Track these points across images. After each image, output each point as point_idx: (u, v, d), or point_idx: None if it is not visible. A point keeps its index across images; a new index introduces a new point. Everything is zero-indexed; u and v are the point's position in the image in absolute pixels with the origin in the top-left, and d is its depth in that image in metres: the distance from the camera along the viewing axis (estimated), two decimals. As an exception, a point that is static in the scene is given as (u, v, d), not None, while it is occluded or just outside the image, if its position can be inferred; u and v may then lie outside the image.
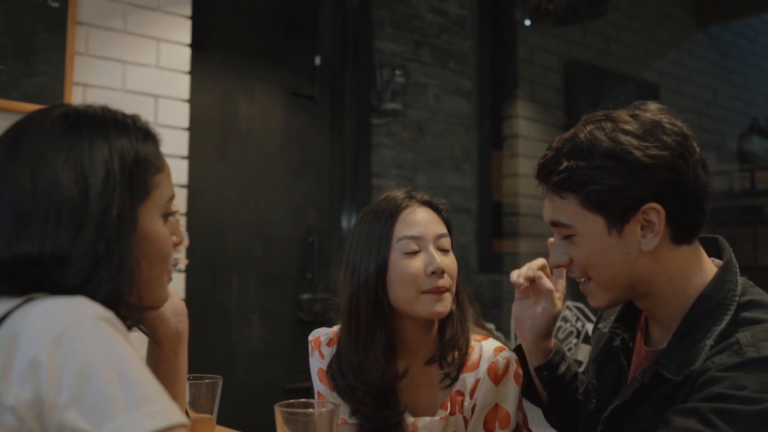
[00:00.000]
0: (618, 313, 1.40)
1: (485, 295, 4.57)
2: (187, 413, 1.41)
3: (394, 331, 1.56)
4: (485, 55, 4.71)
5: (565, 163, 1.21)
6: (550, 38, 4.88)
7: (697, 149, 1.23)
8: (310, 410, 1.21)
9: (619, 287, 1.25)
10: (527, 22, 4.49)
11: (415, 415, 1.57)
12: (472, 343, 1.59)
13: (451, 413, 1.56)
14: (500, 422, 1.53)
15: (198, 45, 3.20)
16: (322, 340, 1.64)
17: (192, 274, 3.13)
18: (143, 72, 2.94)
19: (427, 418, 1.55)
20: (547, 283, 1.48)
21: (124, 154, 0.99)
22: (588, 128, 1.22)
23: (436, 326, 1.60)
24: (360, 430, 1.57)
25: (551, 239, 1.33)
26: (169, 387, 1.19)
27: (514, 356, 1.56)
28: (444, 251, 1.56)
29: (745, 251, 5.40)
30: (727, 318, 1.18)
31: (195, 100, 3.22)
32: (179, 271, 2.99)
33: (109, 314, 0.87)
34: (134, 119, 1.05)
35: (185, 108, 3.06)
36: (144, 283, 1.01)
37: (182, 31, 3.07)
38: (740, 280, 1.24)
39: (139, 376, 0.82)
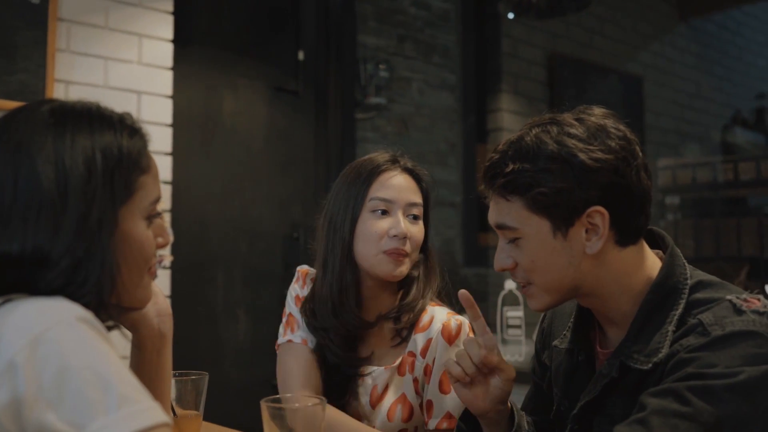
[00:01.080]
0: (572, 329, 1.38)
1: (471, 288, 4.57)
2: (173, 410, 1.41)
3: (359, 282, 1.65)
4: (469, 48, 4.72)
5: (511, 166, 1.22)
6: (533, 31, 4.88)
7: (640, 154, 1.24)
8: (297, 405, 1.21)
9: (561, 290, 1.26)
10: (510, 16, 4.49)
11: (371, 363, 1.65)
12: (427, 308, 1.66)
13: (401, 372, 1.62)
14: None
15: (180, 41, 3.19)
16: (310, 273, 1.76)
17: (177, 270, 3.12)
18: (125, 68, 2.92)
19: (375, 367, 1.63)
20: (494, 357, 1.31)
21: (107, 153, 0.97)
22: (534, 132, 1.23)
23: (397, 288, 1.68)
24: (319, 359, 1.66)
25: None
26: (152, 387, 1.18)
27: (467, 321, 1.62)
28: (414, 219, 1.64)
29: (729, 242, 5.43)
30: (682, 302, 1.20)
31: (178, 96, 3.20)
32: (164, 268, 2.98)
33: (88, 315, 0.86)
34: (122, 117, 1.04)
35: (168, 104, 3.04)
36: (124, 285, 1.00)
37: (164, 27, 3.05)
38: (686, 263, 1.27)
39: (118, 377, 0.81)
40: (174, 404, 1.42)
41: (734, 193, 5.63)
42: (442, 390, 1.59)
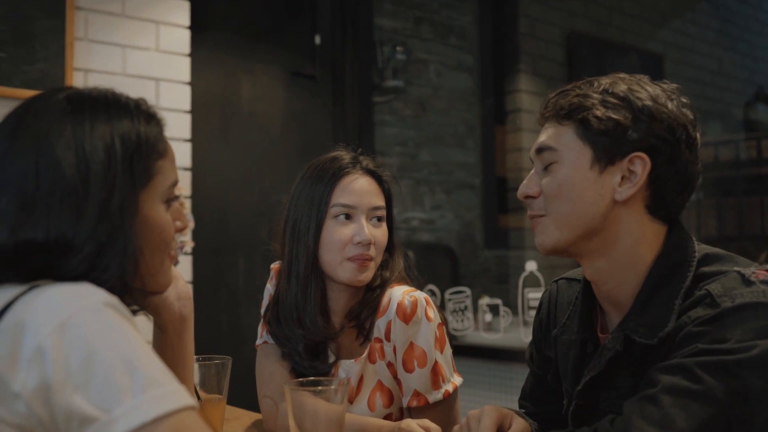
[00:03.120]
0: (578, 318, 1.34)
1: (491, 270, 4.58)
2: (197, 394, 1.42)
3: (324, 289, 1.64)
4: (486, 29, 4.69)
5: (578, 91, 1.23)
6: (551, 11, 4.84)
7: (699, 140, 1.24)
8: (320, 388, 1.21)
9: (574, 228, 1.22)
10: (528, -5, 4.46)
11: (340, 357, 1.65)
12: (385, 290, 1.65)
13: (371, 359, 1.62)
14: (418, 360, 1.58)
15: (197, 27, 3.19)
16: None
17: (198, 256, 3.14)
18: (143, 55, 2.93)
19: (348, 361, 1.63)
20: None
21: (125, 138, 0.98)
22: (607, 77, 1.25)
23: (364, 291, 1.66)
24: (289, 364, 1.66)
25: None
26: (175, 371, 1.19)
27: (423, 295, 1.62)
28: (377, 222, 1.63)
29: (752, 220, 5.38)
30: (690, 275, 1.18)
31: (196, 83, 3.21)
32: (186, 253, 3.00)
33: (114, 300, 0.87)
34: (138, 103, 1.04)
35: (186, 90, 3.05)
36: (146, 269, 1.01)
37: (181, 14, 3.05)
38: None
39: (145, 360, 0.82)
40: (198, 388, 1.44)
41: (757, 171, 5.57)
42: (406, 369, 1.59)
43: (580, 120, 1.20)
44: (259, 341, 1.74)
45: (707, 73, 6.19)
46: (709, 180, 5.53)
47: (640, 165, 1.18)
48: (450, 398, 1.62)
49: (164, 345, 1.26)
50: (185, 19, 3.06)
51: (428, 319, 1.60)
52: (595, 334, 1.31)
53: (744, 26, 6.70)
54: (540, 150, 1.25)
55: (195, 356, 1.37)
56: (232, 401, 1.60)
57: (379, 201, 1.64)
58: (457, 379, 1.65)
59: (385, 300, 1.63)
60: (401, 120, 4.25)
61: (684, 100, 1.24)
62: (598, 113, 1.19)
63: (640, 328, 1.17)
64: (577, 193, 1.21)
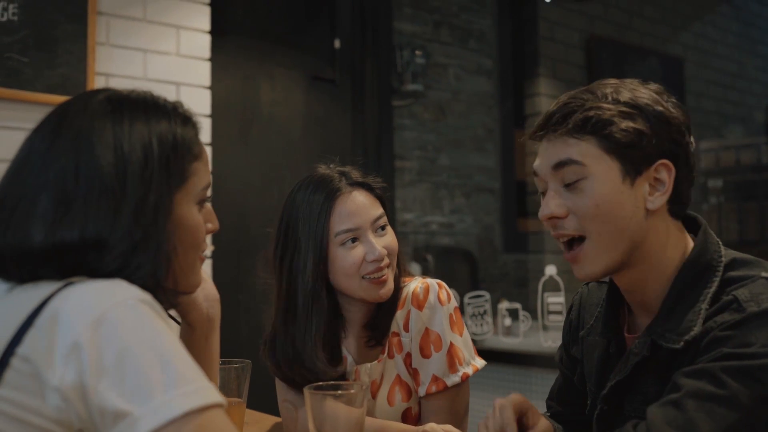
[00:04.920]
0: (602, 319, 1.33)
1: (510, 274, 4.56)
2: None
3: (336, 306, 1.61)
4: (505, 33, 4.68)
5: (591, 105, 1.18)
6: (570, 14, 4.82)
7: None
8: (340, 392, 1.21)
9: (620, 247, 1.18)
10: (547, -1, 4.45)
11: (359, 363, 1.63)
12: (401, 286, 1.65)
13: (389, 355, 1.62)
14: (434, 345, 1.58)
15: (217, 31, 3.21)
16: None
17: (218, 259, 3.15)
18: (164, 60, 2.94)
19: (368, 364, 1.62)
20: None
21: (162, 139, 1.00)
22: (604, 86, 1.22)
23: None
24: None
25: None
26: None
27: (435, 281, 1.62)
28: (382, 230, 1.60)
29: (774, 224, 5.33)
30: (717, 279, 1.17)
31: (216, 87, 3.22)
32: (205, 257, 3.01)
33: (147, 296, 0.88)
34: (176, 105, 1.06)
35: (207, 95, 3.06)
36: (179, 269, 1.02)
37: (201, 18, 3.07)
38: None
39: (177, 356, 0.84)
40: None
41: (779, 175, 5.51)
42: (424, 355, 1.59)
43: (603, 134, 1.16)
44: None
45: (728, 77, 6.14)
46: (730, 184, 5.49)
47: (665, 171, 1.18)
48: (467, 382, 1.62)
49: (190, 345, 1.26)
50: (206, 23, 3.08)
51: (441, 302, 1.60)
52: (621, 335, 1.31)
53: (765, 29, 6.64)
54: (561, 165, 1.19)
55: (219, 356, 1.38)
56: (251, 405, 1.61)
57: (378, 210, 1.60)
58: (479, 362, 1.64)
59: (403, 295, 1.63)
60: (420, 124, 4.25)
61: (673, 99, 1.23)
62: (623, 125, 1.16)
63: (666, 333, 1.16)
64: (617, 209, 1.17)
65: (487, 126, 4.59)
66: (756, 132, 6.24)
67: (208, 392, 0.83)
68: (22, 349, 0.84)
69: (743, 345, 1.05)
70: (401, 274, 1.66)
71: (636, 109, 1.18)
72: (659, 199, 1.18)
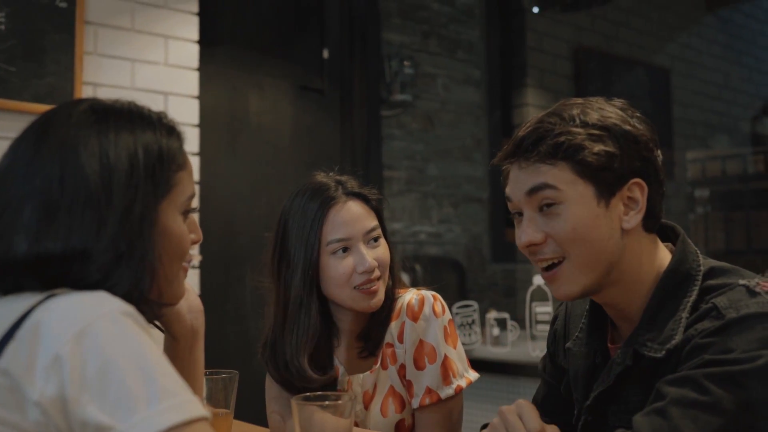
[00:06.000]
0: (586, 330, 1.35)
1: (499, 284, 4.56)
2: (204, 408, 1.41)
3: (329, 315, 1.63)
4: (494, 43, 4.70)
5: (560, 129, 1.18)
6: (558, 25, 4.85)
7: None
8: (327, 403, 1.21)
9: (598, 268, 1.19)
10: (535, 10, 4.47)
11: (351, 373, 1.63)
12: (395, 297, 1.65)
13: (383, 366, 1.62)
14: (428, 357, 1.59)
15: (206, 41, 3.21)
16: None
17: (206, 269, 3.14)
18: (152, 70, 2.94)
19: (361, 375, 1.62)
20: None
21: (148, 148, 0.99)
22: (570, 107, 1.22)
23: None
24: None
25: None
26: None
27: (430, 293, 1.62)
28: (375, 242, 1.60)
29: (760, 234, 5.37)
30: (696, 288, 1.18)
31: (204, 97, 3.22)
32: (193, 267, 3.00)
33: (130, 309, 0.87)
34: (160, 115, 1.06)
35: (195, 104, 3.06)
36: (164, 279, 1.01)
37: (190, 28, 3.07)
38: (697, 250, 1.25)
39: (160, 370, 0.83)
40: (205, 403, 1.43)
41: (765, 185, 5.55)
42: (418, 367, 1.59)
43: (576, 159, 1.17)
44: None
45: (714, 87, 6.18)
46: (716, 194, 5.52)
47: (638, 190, 1.19)
48: (460, 394, 1.63)
49: (174, 357, 1.26)
50: (194, 33, 3.08)
51: (435, 314, 1.60)
52: (605, 345, 1.32)
53: (750, 40, 6.70)
54: (536, 190, 1.20)
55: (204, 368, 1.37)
56: (239, 416, 1.60)
57: (372, 222, 1.60)
58: (473, 375, 1.64)
59: (397, 306, 1.64)
60: (409, 134, 4.26)
61: (637, 114, 1.24)
62: (594, 149, 1.16)
63: (648, 342, 1.17)
64: (594, 231, 1.18)
65: (475, 136, 4.60)
66: (742, 142, 6.28)
67: (193, 406, 0.82)
68: (2, 363, 0.83)
69: (724, 351, 1.06)
70: (396, 285, 1.66)
71: (604, 131, 1.18)
72: (634, 218, 1.19)
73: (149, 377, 0.81)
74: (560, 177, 1.18)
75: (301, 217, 1.58)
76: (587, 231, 1.18)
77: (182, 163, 1.05)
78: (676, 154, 5.47)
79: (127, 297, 0.91)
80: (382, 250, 1.61)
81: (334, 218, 1.56)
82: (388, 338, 1.63)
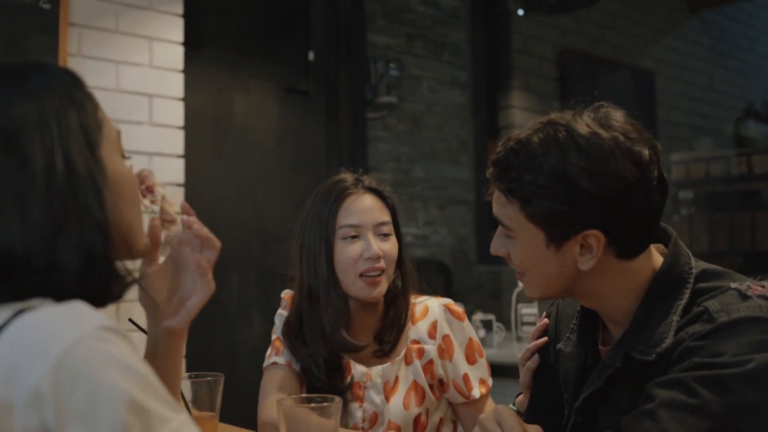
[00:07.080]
0: (577, 332, 1.36)
1: (485, 286, 4.57)
2: (189, 411, 1.41)
3: (346, 306, 1.69)
4: (479, 46, 4.71)
5: (514, 173, 1.17)
6: (543, 27, 4.87)
7: (656, 173, 1.16)
8: (313, 405, 1.21)
9: (552, 289, 1.26)
10: (520, 12, 4.47)
11: (369, 366, 1.70)
12: (413, 302, 1.76)
13: (407, 362, 1.70)
14: (478, 352, 1.76)
15: (191, 43, 3.19)
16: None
17: (191, 272, 3.13)
18: (137, 71, 2.93)
19: (379, 367, 1.69)
20: None
21: (51, 94, 0.91)
22: (545, 133, 1.16)
23: (381, 304, 1.73)
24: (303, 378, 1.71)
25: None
26: (164, 382, 1.17)
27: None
28: (384, 237, 1.69)
29: (743, 235, 5.41)
30: (687, 291, 1.18)
31: (189, 99, 3.21)
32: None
33: (109, 321, 0.80)
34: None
35: (180, 106, 3.05)
36: (127, 228, 0.96)
37: (174, 30, 3.06)
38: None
39: (151, 395, 0.78)
40: (190, 406, 1.43)
41: (748, 187, 5.60)
42: (470, 362, 1.73)
43: (525, 207, 1.17)
44: (266, 363, 1.77)
45: (698, 90, 6.23)
46: (700, 195, 5.56)
47: (594, 240, 1.16)
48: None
49: (158, 354, 1.23)
50: (179, 35, 3.07)
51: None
52: (596, 347, 1.32)
53: (734, 43, 6.75)
54: (497, 219, 1.26)
55: (187, 373, 1.36)
56: (224, 418, 1.60)
57: (384, 216, 1.70)
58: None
59: (419, 308, 1.75)
60: (395, 136, 4.26)
61: (633, 136, 1.15)
62: (541, 205, 1.15)
63: (638, 345, 1.17)
64: (541, 268, 1.22)
65: (461, 138, 4.61)
66: (725, 144, 6.33)
67: (187, 427, 0.80)
68: None
69: (714, 354, 1.06)
70: (408, 286, 1.76)
71: (561, 182, 1.13)
72: (588, 263, 1.18)
73: (141, 408, 0.76)
74: (513, 218, 1.21)
75: (322, 204, 1.70)
76: (535, 266, 1.23)
77: (97, 104, 0.97)
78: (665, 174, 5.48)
79: (93, 269, 0.85)
80: (391, 245, 1.69)
81: (349, 206, 1.68)
82: (413, 335, 1.71)
